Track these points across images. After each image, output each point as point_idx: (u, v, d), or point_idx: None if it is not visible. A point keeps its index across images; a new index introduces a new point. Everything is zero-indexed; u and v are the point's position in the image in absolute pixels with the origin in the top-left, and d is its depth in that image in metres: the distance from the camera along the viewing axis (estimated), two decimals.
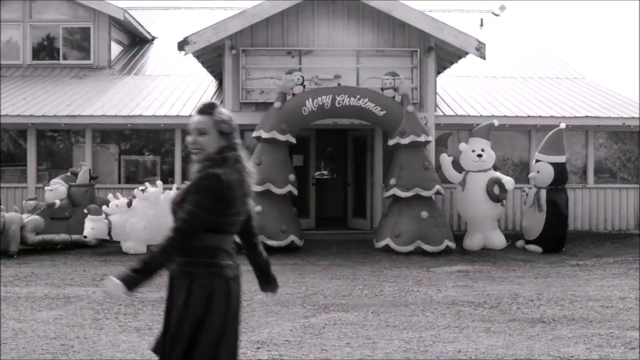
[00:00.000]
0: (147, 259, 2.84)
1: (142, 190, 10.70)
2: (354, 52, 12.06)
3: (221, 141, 3.02)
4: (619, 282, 8.36)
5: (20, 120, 12.88)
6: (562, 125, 11.15)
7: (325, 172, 18.27)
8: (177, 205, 2.96)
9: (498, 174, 11.29)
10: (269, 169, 10.55)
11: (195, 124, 3.02)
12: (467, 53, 12.22)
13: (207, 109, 3.04)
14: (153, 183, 11.10)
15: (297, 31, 12.17)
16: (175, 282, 2.99)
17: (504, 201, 11.18)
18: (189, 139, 3.03)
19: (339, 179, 16.46)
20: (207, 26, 11.87)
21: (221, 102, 13.23)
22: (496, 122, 11.50)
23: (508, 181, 10.99)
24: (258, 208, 10.38)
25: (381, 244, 10.64)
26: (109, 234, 10.32)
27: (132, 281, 2.79)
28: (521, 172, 13.38)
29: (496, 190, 10.91)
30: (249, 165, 3.10)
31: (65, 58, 16.48)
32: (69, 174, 11.76)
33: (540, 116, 13.14)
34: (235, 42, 11.93)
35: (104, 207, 10.41)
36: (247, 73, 11.95)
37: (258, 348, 5.33)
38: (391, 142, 10.98)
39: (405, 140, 10.69)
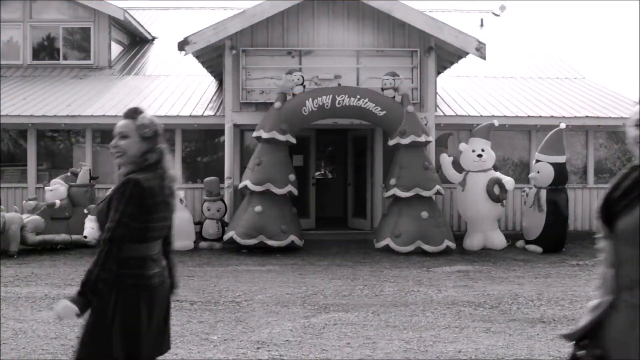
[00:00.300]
0: (86, 280, 2.83)
1: None
2: (354, 52, 12.06)
3: (143, 145, 3.05)
4: None
5: (20, 120, 12.88)
6: (562, 125, 11.15)
7: (326, 172, 18.26)
8: (102, 213, 2.98)
9: (498, 174, 11.29)
10: (269, 169, 10.56)
11: (118, 128, 3.07)
12: (467, 53, 12.22)
13: (130, 114, 3.10)
14: None
15: (297, 31, 12.17)
16: (109, 297, 2.94)
17: (504, 201, 11.18)
18: (112, 142, 3.07)
19: (339, 179, 16.46)
20: (207, 26, 11.87)
21: (221, 102, 13.25)
22: (496, 122, 11.50)
23: (508, 181, 10.99)
24: (258, 208, 10.39)
25: (381, 244, 10.64)
26: None
27: (82, 303, 2.81)
28: (521, 172, 13.38)
29: (496, 190, 10.91)
30: (171, 170, 3.14)
31: (65, 58, 16.48)
32: (69, 174, 11.76)
33: (540, 116, 13.14)
34: (235, 42, 11.93)
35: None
36: (247, 73, 11.95)
37: (258, 348, 5.33)
38: (391, 142, 10.98)
39: (405, 141, 10.69)
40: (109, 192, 3.08)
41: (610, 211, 2.55)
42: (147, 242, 3.02)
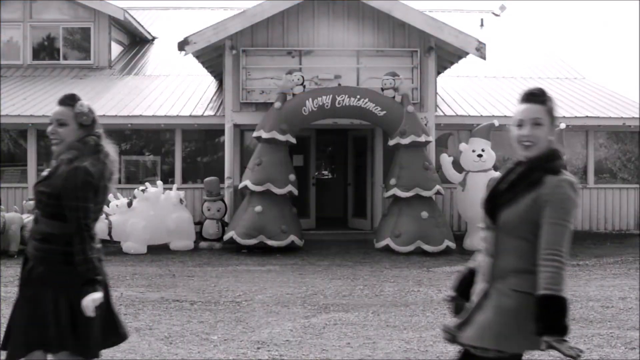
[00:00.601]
0: (87, 269, 2.98)
1: (143, 191, 10.71)
2: (354, 52, 12.06)
3: (81, 133, 3.13)
4: (619, 282, 8.36)
5: (20, 120, 12.88)
6: (562, 126, 11.15)
7: (326, 172, 18.26)
8: (44, 195, 3.07)
9: (498, 174, 11.26)
10: (269, 169, 10.56)
11: (55, 115, 3.13)
12: (467, 53, 12.22)
13: (67, 101, 3.14)
14: (153, 183, 11.12)
15: (297, 31, 12.17)
16: (37, 272, 3.05)
17: None
18: (49, 129, 3.13)
19: (339, 179, 16.46)
20: (207, 26, 11.88)
21: (221, 102, 13.25)
22: (496, 122, 11.49)
23: None
24: (258, 208, 10.39)
25: (381, 244, 10.64)
26: (109, 234, 10.32)
27: (98, 287, 2.99)
28: None
29: None
30: (112, 152, 3.23)
31: (65, 58, 16.48)
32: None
33: None
34: (235, 42, 11.93)
35: (104, 207, 10.41)
36: (247, 73, 11.95)
37: (258, 348, 5.33)
38: (391, 142, 10.98)
39: (405, 141, 10.69)
40: (45, 173, 3.15)
41: (494, 203, 2.63)
42: (95, 219, 3.16)
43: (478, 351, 2.57)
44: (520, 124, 2.63)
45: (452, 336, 2.70)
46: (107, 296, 3.20)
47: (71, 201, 3.00)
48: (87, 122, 3.14)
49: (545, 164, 2.59)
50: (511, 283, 2.54)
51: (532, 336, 2.45)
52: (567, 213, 2.48)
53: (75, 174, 3.01)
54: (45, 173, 3.15)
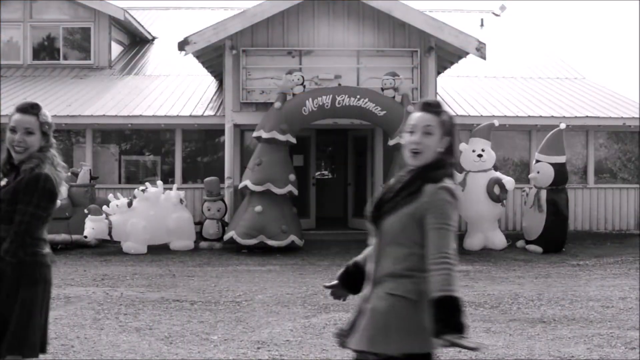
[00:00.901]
0: None
1: (143, 191, 10.71)
2: (354, 52, 12.06)
3: (42, 141, 3.20)
4: (619, 282, 8.36)
5: None
6: (562, 126, 11.15)
7: (326, 172, 18.27)
8: (4, 202, 3.10)
9: (498, 174, 11.28)
10: (269, 169, 10.56)
11: (23, 124, 3.16)
12: (467, 53, 12.23)
13: (32, 110, 3.20)
14: (153, 183, 11.12)
15: (297, 31, 12.18)
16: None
17: (504, 201, 11.18)
18: (15, 137, 3.15)
19: (339, 179, 16.46)
20: (207, 26, 11.88)
21: (221, 102, 13.25)
22: (496, 122, 11.50)
23: (508, 181, 10.98)
24: (258, 208, 10.39)
25: None
26: (110, 234, 10.32)
27: None
28: (521, 172, 13.38)
29: (496, 190, 10.91)
30: (61, 162, 3.31)
31: (65, 58, 16.48)
32: (69, 174, 11.75)
33: (540, 116, 13.14)
34: (235, 42, 11.93)
35: (105, 207, 10.42)
36: (247, 73, 11.96)
37: (258, 348, 5.33)
38: (391, 142, 10.98)
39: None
40: (4, 182, 3.17)
41: (380, 211, 2.67)
42: (43, 225, 3.20)
43: (360, 355, 2.65)
44: (412, 131, 2.65)
45: (342, 341, 2.78)
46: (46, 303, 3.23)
47: (24, 205, 3.05)
48: (48, 132, 3.22)
49: (427, 173, 2.61)
50: (386, 287, 2.61)
51: (408, 339, 2.51)
52: (448, 217, 2.53)
53: (37, 180, 3.08)
54: (3, 183, 3.19)
